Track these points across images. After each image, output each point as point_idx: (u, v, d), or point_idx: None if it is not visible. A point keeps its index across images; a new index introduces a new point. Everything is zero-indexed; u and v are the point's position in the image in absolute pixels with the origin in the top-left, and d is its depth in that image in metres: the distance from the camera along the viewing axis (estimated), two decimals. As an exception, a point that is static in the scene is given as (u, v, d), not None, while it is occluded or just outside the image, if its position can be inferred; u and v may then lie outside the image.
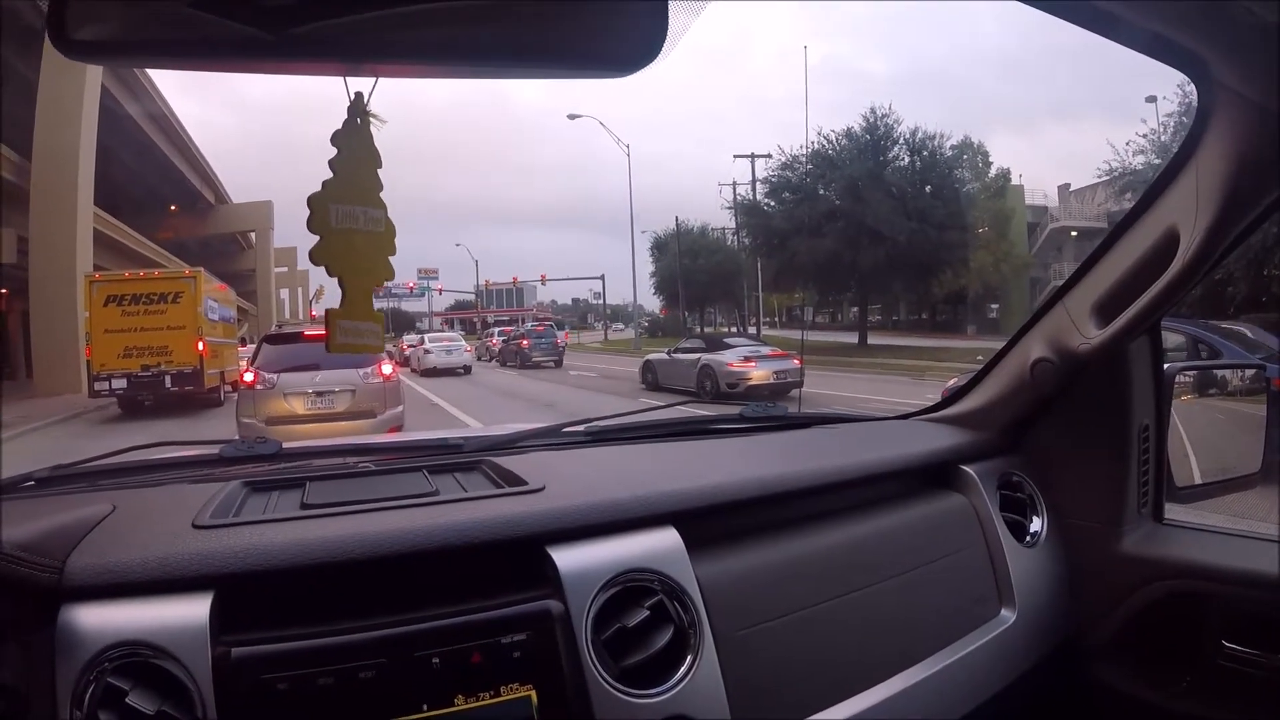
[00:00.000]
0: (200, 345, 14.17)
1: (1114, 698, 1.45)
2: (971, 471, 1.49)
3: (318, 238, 0.82)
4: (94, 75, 19.59)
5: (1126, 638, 1.45)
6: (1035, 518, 1.52)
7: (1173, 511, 1.51)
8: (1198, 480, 1.55)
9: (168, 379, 13.95)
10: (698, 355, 13.89)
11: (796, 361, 12.68)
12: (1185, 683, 1.36)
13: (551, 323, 39.56)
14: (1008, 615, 1.38)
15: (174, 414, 13.11)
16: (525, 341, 24.27)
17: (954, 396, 1.75)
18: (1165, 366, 1.49)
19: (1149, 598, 1.41)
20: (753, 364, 12.71)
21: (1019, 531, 1.48)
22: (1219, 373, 1.79)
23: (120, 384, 13.81)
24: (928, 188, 25.65)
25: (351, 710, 0.83)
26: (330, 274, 0.83)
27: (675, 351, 15.18)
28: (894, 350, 23.09)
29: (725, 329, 37.56)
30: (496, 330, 34.41)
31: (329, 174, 0.82)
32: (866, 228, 24.36)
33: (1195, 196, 1.16)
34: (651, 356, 16.33)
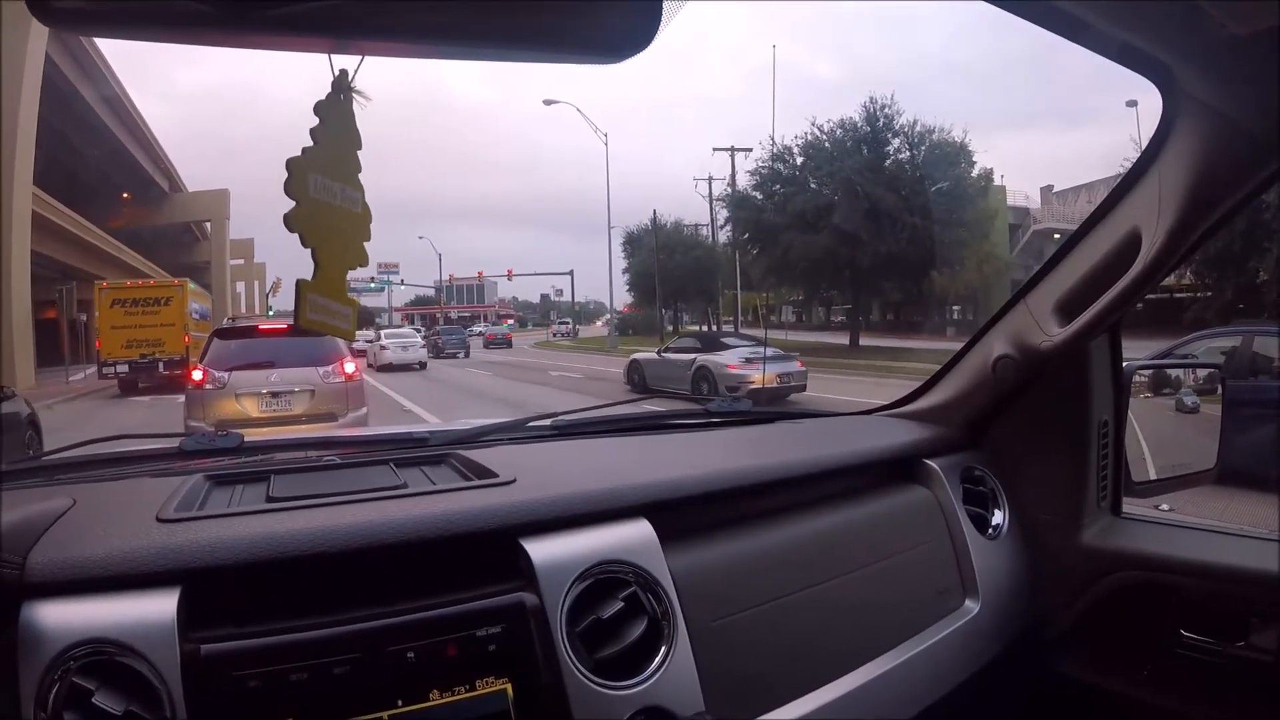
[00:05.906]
0: (186, 338, 17.42)
1: (1076, 686, 1.48)
2: (935, 465, 1.51)
3: (294, 203, 0.78)
4: (37, 42, 19.33)
5: (1087, 628, 1.48)
6: (997, 511, 1.54)
7: (1130, 506, 1.54)
8: (1153, 476, 1.59)
9: (160, 365, 17.27)
10: (693, 356, 13.04)
11: (799, 364, 12.08)
12: (1145, 671, 1.40)
13: (460, 323, 45.84)
14: (971, 606, 1.40)
15: (165, 391, 15.39)
16: (440, 338, 31.49)
17: (917, 392, 1.77)
18: (1124, 364, 1.52)
19: (1108, 588, 1.45)
20: (755, 366, 11.79)
21: (981, 524, 1.50)
22: (1174, 372, 1.81)
23: (124, 369, 17.42)
24: (928, 183, 24.77)
25: (325, 706, 0.80)
26: (304, 244, 0.80)
27: (666, 351, 14.55)
28: (890, 353, 21.81)
29: (697, 327, 36.43)
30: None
31: (293, 158, 0.78)
32: (866, 223, 23.54)
33: (1158, 200, 1.19)
34: (638, 356, 15.52)
